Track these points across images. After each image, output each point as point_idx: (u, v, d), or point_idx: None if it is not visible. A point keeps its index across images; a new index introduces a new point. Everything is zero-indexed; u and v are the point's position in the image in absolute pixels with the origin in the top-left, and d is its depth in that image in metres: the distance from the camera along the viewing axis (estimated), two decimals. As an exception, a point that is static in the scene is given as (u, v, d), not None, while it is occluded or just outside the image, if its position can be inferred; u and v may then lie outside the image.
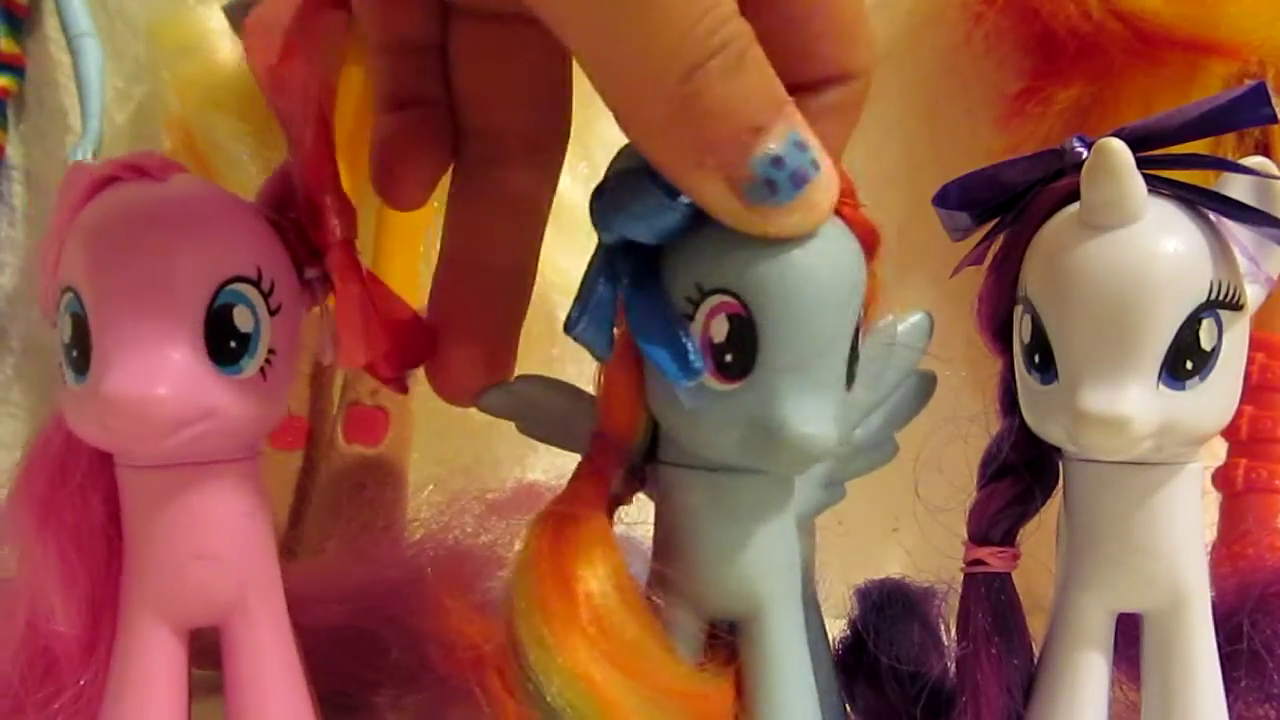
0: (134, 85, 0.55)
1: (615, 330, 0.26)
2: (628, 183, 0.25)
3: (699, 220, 0.25)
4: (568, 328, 0.26)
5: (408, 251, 0.46)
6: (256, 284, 0.26)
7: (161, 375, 0.24)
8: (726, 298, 0.25)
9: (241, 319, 0.26)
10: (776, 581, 0.27)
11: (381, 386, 0.44)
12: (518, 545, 0.27)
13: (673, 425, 0.27)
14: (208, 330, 0.25)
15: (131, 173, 0.26)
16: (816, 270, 0.25)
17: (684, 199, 0.24)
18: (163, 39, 0.50)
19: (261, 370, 0.26)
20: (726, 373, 0.25)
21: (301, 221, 0.28)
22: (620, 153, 0.26)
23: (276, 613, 0.28)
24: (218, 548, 0.27)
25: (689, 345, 0.25)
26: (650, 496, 0.29)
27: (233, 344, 0.25)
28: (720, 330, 0.25)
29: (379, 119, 0.31)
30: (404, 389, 0.31)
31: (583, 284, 0.26)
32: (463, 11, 0.30)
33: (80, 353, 0.25)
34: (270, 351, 0.26)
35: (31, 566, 0.28)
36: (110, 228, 0.25)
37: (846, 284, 0.25)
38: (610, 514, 0.27)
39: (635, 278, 0.26)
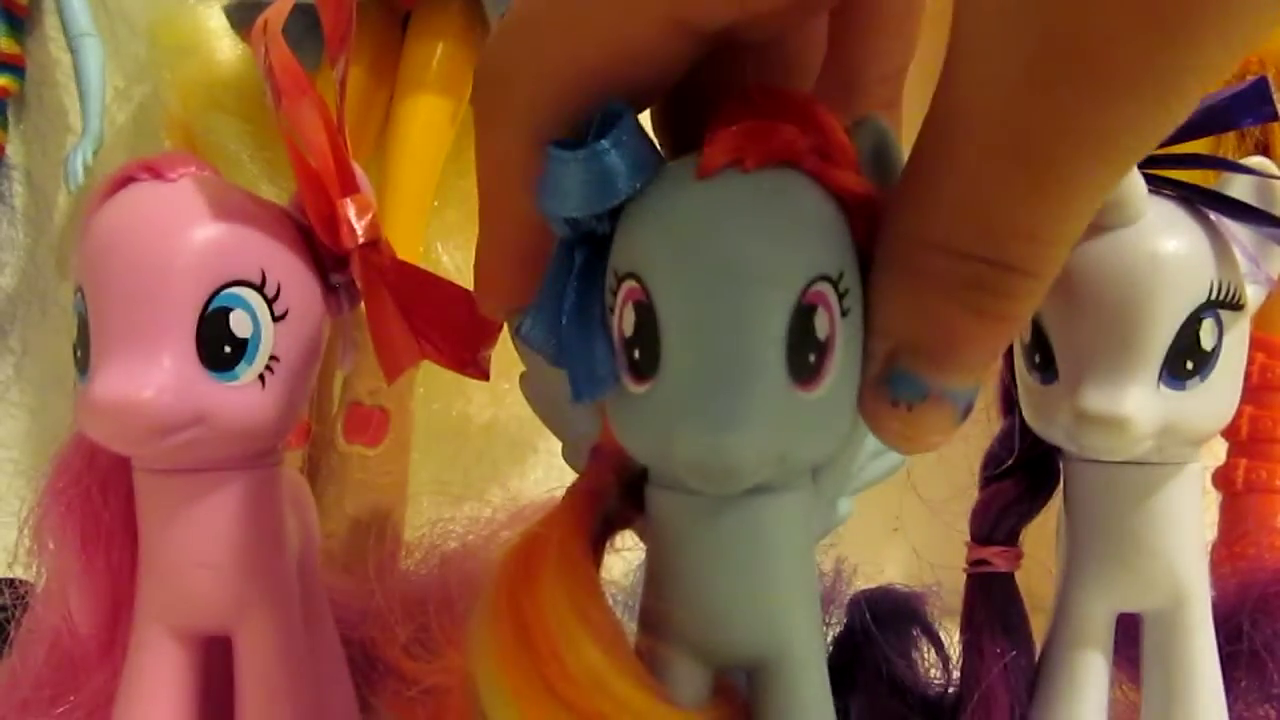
0: (134, 85, 0.55)
1: None
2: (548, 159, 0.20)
3: (636, 198, 0.20)
4: (514, 331, 0.22)
5: (412, 228, 0.46)
6: (259, 288, 0.25)
7: (148, 379, 0.24)
8: (632, 282, 0.20)
9: (239, 324, 0.25)
10: (793, 619, 0.22)
11: (381, 386, 0.44)
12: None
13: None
14: (201, 335, 0.24)
15: (146, 173, 0.26)
16: (711, 238, 0.19)
17: (579, 151, 0.19)
18: (163, 39, 0.50)
19: (261, 377, 0.25)
20: (636, 372, 0.20)
21: (312, 229, 0.27)
22: None
23: (286, 626, 0.27)
24: (219, 556, 0.26)
25: (597, 356, 0.21)
26: (639, 530, 0.24)
27: (228, 349, 0.25)
28: (629, 322, 0.20)
29: None
30: (484, 375, 0.28)
31: (541, 285, 0.22)
32: None
33: (83, 353, 0.25)
34: (273, 358, 0.26)
35: (56, 566, 0.27)
36: (111, 229, 0.25)
37: (758, 256, 0.19)
38: (600, 538, 0.23)
39: (582, 273, 0.21)
